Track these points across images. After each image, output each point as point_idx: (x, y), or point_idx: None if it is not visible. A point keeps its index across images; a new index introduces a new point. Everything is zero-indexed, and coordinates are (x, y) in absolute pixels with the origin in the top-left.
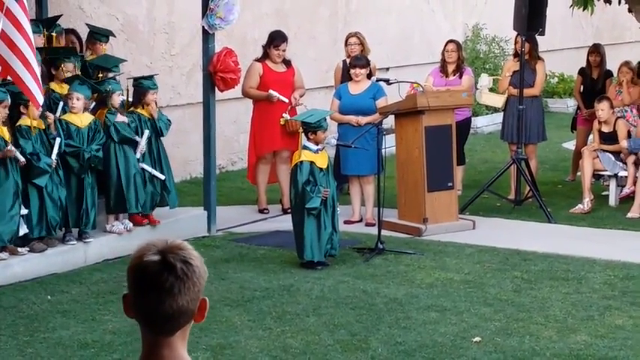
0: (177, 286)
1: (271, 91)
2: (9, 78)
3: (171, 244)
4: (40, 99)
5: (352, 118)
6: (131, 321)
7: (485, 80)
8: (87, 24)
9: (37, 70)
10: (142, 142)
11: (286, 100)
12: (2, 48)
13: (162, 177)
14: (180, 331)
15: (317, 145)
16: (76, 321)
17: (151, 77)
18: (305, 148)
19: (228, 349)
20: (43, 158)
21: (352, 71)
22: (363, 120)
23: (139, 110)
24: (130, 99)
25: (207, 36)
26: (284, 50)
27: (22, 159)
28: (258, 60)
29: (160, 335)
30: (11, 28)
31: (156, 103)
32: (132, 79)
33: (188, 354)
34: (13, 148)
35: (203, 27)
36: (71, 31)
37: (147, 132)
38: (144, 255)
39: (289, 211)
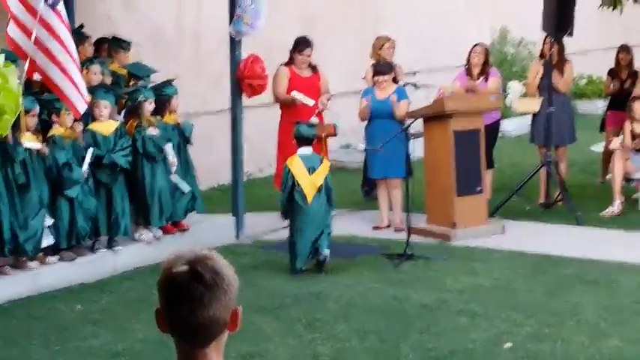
0: (207, 295)
1: (294, 92)
2: (34, 78)
3: (199, 254)
4: (82, 107)
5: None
6: None
7: (516, 88)
8: (109, 34)
9: (79, 78)
10: (170, 157)
11: (310, 103)
12: (39, 55)
13: (187, 189)
14: (214, 342)
15: None
16: (106, 330)
17: (169, 83)
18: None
19: (257, 356)
20: (76, 169)
21: (376, 78)
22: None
23: (165, 119)
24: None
25: (234, 42)
26: (308, 55)
27: (40, 147)
28: (284, 65)
29: (195, 348)
30: (46, 35)
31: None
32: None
33: None
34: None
35: (230, 33)
36: (105, 41)
37: (169, 144)
38: (172, 267)
39: None
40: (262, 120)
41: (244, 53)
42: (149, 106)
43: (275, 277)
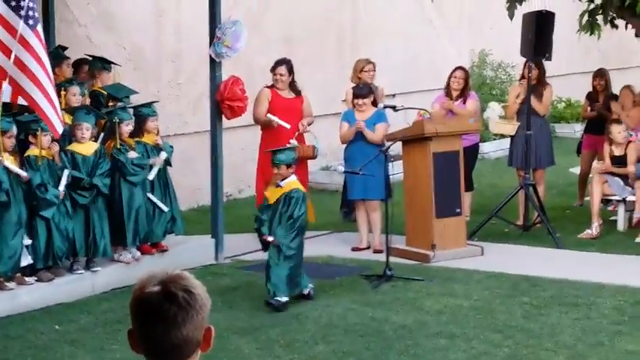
0: (180, 315)
1: (270, 115)
2: (19, 102)
3: (172, 274)
4: (60, 128)
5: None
6: None
7: (495, 110)
8: (86, 54)
9: (56, 99)
10: (152, 174)
11: (287, 126)
12: (17, 74)
13: (166, 209)
14: None
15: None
16: (84, 350)
17: (149, 104)
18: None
19: None
20: (51, 190)
21: (355, 101)
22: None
23: (143, 139)
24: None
25: (214, 64)
26: (282, 74)
27: (23, 174)
28: (267, 87)
29: None
30: (26, 55)
31: (158, 131)
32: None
33: None
34: (2, 158)
35: (210, 55)
36: (84, 62)
37: (155, 168)
38: (145, 287)
39: None
40: (242, 141)
41: (225, 75)
42: (125, 127)
43: (254, 298)
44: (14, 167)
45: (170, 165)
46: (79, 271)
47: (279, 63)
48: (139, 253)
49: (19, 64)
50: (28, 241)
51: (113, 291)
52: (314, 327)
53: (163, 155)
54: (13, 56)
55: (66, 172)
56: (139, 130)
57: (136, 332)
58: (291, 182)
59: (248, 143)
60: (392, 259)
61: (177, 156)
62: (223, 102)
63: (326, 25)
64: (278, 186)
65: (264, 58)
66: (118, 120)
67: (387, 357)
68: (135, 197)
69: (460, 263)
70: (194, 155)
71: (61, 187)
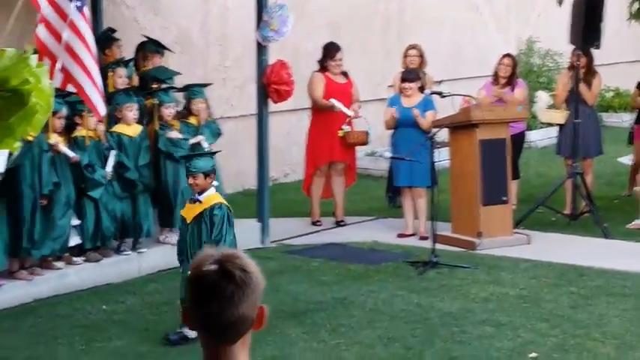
0: (237, 293)
1: (333, 100)
2: (68, 89)
3: (227, 252)
4: (102, 110)
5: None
6: None
7: (544, 99)
8: (143, 35)
9: (99, 80)
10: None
11: (350, 113)
12: (67, 59)
13: None
14: (241, 339)
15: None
16: (130, 331)
17: (192, 86)
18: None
19: None
20: (98, 170)
21: (402, 85)
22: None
23: (190, 120)
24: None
25: (261, 48)
26: (340, 59)
27: (73, 155)
28: (317, 71)
29: (221, 345)
30: (75, 39)
31: (209, 111)
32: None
33: None
34: (56, 142)
35: (257, 39)
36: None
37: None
38: (202, 265)
39: (342, 223)
40: (287, 125)
41: (271, 59)
42: (166, 110)
43: (299, 283)
44: (64, 148)
45: (201, 146)
46: (126, 252)
47: (336, 48)
48: None
49: (69, 49)
50: (76, 222)
51: (159, 272)
52: (359, 312)
53: (199, 137)
54: (63, 42)
55: (113, 153)
56: (187, 111)
57: (193, 310)
58: (212, 196)
59: (293, 127)
60: (437, 245)
61: (223, 139)
62: (270, 85)
63: (372, 11)
64: (195, 201)
65: (309, 43)
66: (157, 102)
67: (432, 344)
68: (181, 177)
69: (506, 251)
70: (240, 139)
71: (109, 168)
